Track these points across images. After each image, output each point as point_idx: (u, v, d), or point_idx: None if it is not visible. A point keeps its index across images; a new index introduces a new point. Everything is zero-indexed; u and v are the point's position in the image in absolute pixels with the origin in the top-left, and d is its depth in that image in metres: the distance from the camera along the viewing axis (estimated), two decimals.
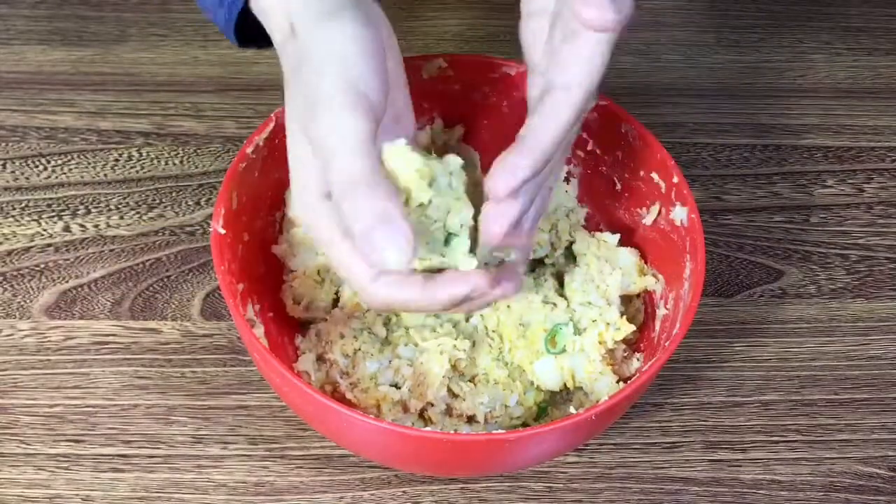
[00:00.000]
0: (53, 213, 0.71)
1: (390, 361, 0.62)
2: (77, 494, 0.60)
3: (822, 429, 0.66)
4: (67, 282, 0.68)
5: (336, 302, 0.64)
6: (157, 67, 0.79)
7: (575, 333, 0.61)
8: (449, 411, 0.61)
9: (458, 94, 0.66)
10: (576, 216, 0.67)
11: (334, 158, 0.46)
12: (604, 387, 0.61)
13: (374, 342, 0.62)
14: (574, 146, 0.67)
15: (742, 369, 0.68)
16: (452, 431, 0.60)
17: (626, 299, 0.64)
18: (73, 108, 0.76)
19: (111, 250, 0.70)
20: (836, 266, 0.72)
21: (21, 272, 0.68)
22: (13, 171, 0.73)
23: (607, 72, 0.49)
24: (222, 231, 0.58)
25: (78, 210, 0.71)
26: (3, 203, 0.71)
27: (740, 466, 0.64)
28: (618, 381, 0.61)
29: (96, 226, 0.70)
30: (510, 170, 0.49)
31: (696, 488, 0.63)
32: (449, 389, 0.61)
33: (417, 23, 0.83)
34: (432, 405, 0.61)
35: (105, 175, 0.73)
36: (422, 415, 0.61)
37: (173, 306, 0.67)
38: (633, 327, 0.62)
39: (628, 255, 0.64)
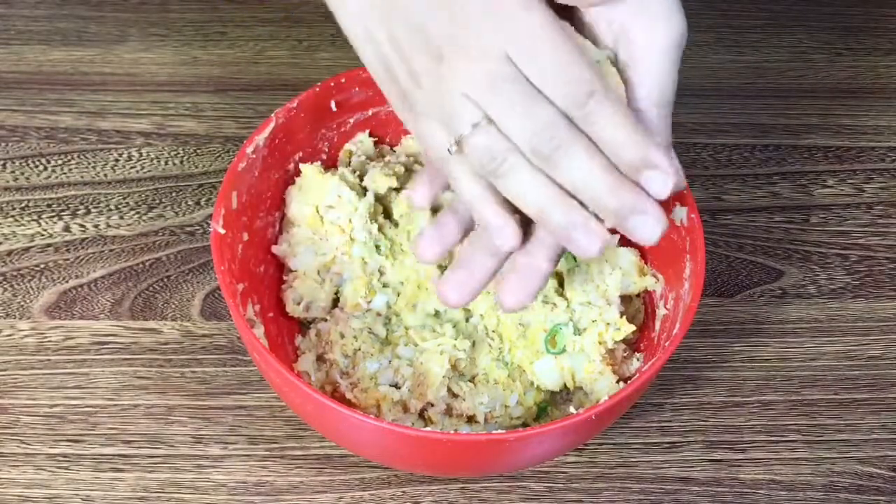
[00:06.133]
0: (53, 213, 0.71)
1: (390, 361, 0.62)
2: (77, 494, 0.60)
3: (822, 429, 0.66)
4: (67, 282, 0.68)
5: (336, 302, 0.64)
6: (157, 67, 0.79)
7: (575, 333, 0.61)
8: (449, 411, 0.61)
9: None
10: None
11: None
12: (604, 387, 0.61)
13: (374, 342, 0.62)
14: None
15: (742, 369, 0.68)
16: (452, 431, 0.60)
17: (626, 299, 0.64)
18: (73, 108, 0.76)
19: (111, 250, 0.70)
20: (836, 266, 0.72)
21: (21, 272, 0.68)
22: (13, 171, 0.73)
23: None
24: (222, 231, 0.58)
25: (78, 210, 0.71)
26: (3, 203, 0.71)
27: (740, 466, 0.64)
28: (618, 381, 0.61)
29: (96, 226, 0.70)
30: None
31: (696, 488, 0.63)
32: (449, 389, 0.61)
33: None
34: (432, 405, 0.61)
35: (105, 175, 0.73)
36: (422, 415, 0.61)
37: (173, 306, 0.67)
38: (633, 327, 0.62)
39: (628, 255, 0.64)
